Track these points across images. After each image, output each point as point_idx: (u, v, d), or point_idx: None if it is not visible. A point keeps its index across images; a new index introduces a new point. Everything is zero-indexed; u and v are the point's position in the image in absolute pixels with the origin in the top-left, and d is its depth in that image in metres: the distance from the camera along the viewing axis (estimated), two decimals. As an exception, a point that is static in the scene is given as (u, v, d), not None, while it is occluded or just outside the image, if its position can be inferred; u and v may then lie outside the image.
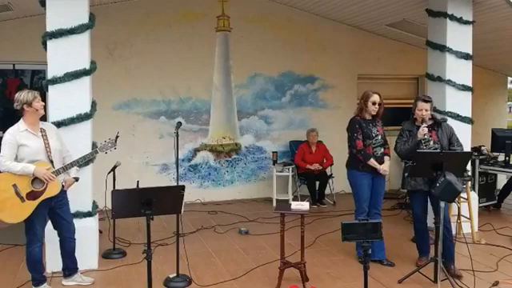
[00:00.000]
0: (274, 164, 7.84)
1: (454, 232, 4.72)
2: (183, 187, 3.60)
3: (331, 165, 7.81)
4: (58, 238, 4.23)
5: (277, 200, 7.63)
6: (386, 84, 8.82)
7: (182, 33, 7.82)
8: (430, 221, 4.62)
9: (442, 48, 5.79)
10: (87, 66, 4.71)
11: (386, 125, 5.00)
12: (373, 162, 4.69)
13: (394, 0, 6.68)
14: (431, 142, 4.55)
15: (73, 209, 4.36)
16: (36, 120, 3.99)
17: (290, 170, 7.64)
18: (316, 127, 7.99)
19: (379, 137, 4.78)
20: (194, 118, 8.02)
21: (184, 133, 7.76)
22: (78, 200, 4.56)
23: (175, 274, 4.41)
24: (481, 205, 6.69)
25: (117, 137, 4.31)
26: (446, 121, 4.84)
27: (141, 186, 3.72)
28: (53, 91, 4.63)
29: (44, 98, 4.11)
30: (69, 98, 4.63)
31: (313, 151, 7.80)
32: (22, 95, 3.91)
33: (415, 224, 4.78)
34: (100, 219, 5.49)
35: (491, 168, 6.85)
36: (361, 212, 4.73)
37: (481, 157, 6.93)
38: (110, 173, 5.17)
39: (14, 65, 7.39)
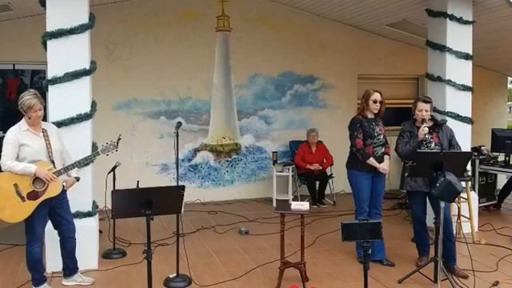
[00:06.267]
0: (274, 164, 7.84)
1: (454, 232, 4.72)
2: (183, 187, 3.60)
3: (331, 165, 7.80)
4: (58, 238, 4.23)
5: (277, 200, 7.63)
6: (386, 84, 8.81)
7: (182, 33, 7.82)
8: (430, 221, 4.62)
9: (442, 48, 5.79)
10: (87, 66, 4.71)
11: (386, 125, 5.00)
12: (372, 161, 4.70)
13: (393, 0, 6.69)
14: (432, 144, 4.56)
15: (73, 209, 4.36)
16: (36, 121, 3.98)
17: (290, 169, 7.64)
18: (316, 127, 7.99)
19: (381, 136, 4.79)
20: (194, 117, 8.02)
21: (184, 133, 7.76)
22: (78, 200, 4.56)
23: (175, 274, 4.41)
24: (481, 205, 6.69)
25: (119, 139, 4.30)
26: (446, 122, 4.85)
27: (141, 186, 3.71)
28: (53, 91, 4.63)
29: (44, 98, 4.10)
30: (69, 98, 4.63)
31: (313, 151, 7.80)
32: (22, 100, 3.89)
33: (415, 224, 4.79)
34: (100, 219, 5.49)
35: (491, 168, 6.85)
36: (361, 212, 4.73)
37: (481, 157, 6.93)
38: (109, 173, 5.17)
39: (14, 65, 7.38)
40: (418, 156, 4.27)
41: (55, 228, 4.21)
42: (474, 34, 5.88)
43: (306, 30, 8.43)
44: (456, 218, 5.47)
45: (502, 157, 6.96)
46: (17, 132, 3.91)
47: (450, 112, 5.79)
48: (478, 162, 6.83)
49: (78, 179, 4.28)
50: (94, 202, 4.83)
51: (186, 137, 7.89)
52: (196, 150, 8.05)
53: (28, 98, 3.89)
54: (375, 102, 4.72)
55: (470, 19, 5.82)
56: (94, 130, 4.89)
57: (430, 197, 4.62)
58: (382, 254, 4.84)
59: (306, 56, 8.47)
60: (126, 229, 6.01)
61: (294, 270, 4.32)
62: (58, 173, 3.96)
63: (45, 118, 4.18)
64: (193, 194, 7.84)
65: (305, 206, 4.22)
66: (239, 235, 5.98)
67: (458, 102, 5.85)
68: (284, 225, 4.26)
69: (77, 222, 4.35)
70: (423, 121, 4.55)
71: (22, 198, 3.85)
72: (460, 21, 5.76)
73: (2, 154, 3.87)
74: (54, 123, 4.44)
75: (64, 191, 4.16)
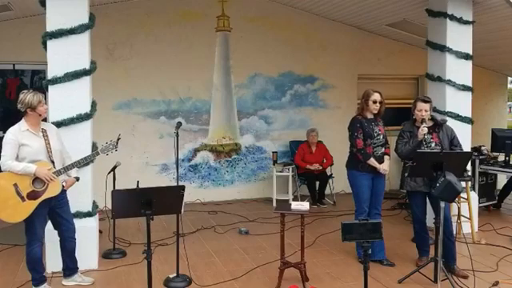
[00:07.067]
0: (274, 164, 7.83)
1: (454, 232, 4.72)
2: (183, 187, 3.60)
3: (331, 165, 7.81)
4: (58, 238, 4.23)
5: (277, 200, 7.63)
6: (386, 84, 8.81)
7: (182, 33, 7.82)
8: (430, 221, 4.62)
9: (442, 48, 5.79)
10: (87, 66, 4.71)
11: (386, 125, 4.99)
12: (372, 161, 4.70)
13: (393, 0, 6.69)
14: (433, 144, 4.55)
15: (73, 209, 4.36)
16: (38, 121, 4.00)
17: (290, 169, 7.64)
18: (316, 127, 7.99)
19: (381, 136, 4.78)
20: (194, 117, 8.02)
21: (184, 133, 7.76)
22: (78, 200, 4.56)
23: (175, 274, 4.41)
24: (481, 205, 6.69)
25: (118, 139, 4.30)
26: (446, 122, 4.84)
27: (141, 186, 3.71)
28: (53, 91, 4.63)
29: (44, 98, 4.10)
30: (69, 98, 4.63)
31: (313, 151, 7.80)
32: (28, 98, 3.89)
33: (415, 224, 4.78)
34: (100, 219, 5.50)
35: (491, 168, 6.85)
36: (361, 212, 4.73)
37: (481, 157, 6.93)
38: (110, 173, 5.17)
39: (14, 65, 7.38)
40: (418, 156, 4.27)
41: (55, 228, 4.21)
42: (474, 34, 5.88)
43: (306, 30, 8.43)
44: (456, 217, 5.47)
45: (502, 157, 6.96)
46: (16, 132, 3.91)
47: (450, 112, 5.79)
48: (477, 161, 6.83)
49: (77, 179, 4.28)
50: (94, 202, 4.83)
51: (186, 137, 7.89)
52: (196, 150, 8.06)
53: (32, 94, 3.91)
54: (375, 102, 4.72)
55: (470, 19, 5.82)
56: (94, 130, 4.89)
57: (430, 197, 4.62)
58: (382, 253, 4.84)
59: (306, 56, 8.46)
60: (126, 229, 6.01)
61: (294, 270, 4.32)
62: (58, 173, 3.96)
63: (45, 118, 4.18)
64: (193, 194, 7.85)
65: (305, 206, 4.22)
66: (239, 235, 5.98)
67: (458, 102, 5.85)
68: (284, 225, 4.26)
69: (77, 222, 4.35)
70: (423, 121, 4.55)
71: (22, 198, 3.85)
72: (460, 21, 5.76)
73: (2, 154, 3.87)
74: (53, 123, 4.45)
75: (64, 191, 4.16)
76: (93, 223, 4.78)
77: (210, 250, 5.36)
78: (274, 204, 7.56)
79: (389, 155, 4.89)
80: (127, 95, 7.63)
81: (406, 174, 4.63)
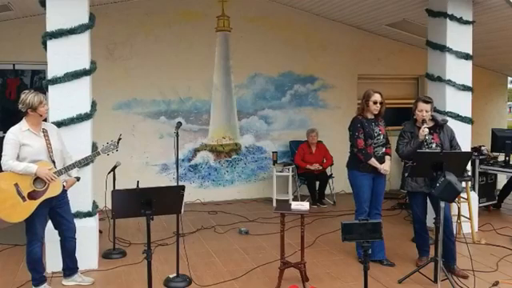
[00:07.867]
0: (274, 164, 7.84)
1: (454, 232, 4.72)
2: (183, 187, 3.60)
3: (331, 165, 7.81)
4: (58, 238, 4.23)
5: (277, 200, 7.63)
6: (386, 84, 8.81)
7: (182, 33, 7.82)
8: (430, 221, 4.62)
9: (442, 48, 5.79)
10: (87, 66, 4.71)
11: (386, 125, 4.99)
12: (373, 161, 4.70)
13: (393, 0, 6.69)
14: (433, 145, 4.55)
15: (73, 209, 4.36)
16: (38, 121, 4.00)
17: (290, 170, 7.64)
18: (316, 127, 7.99)
19: (381, 136, 4.78)
20: (194, 117, 8.02)
21: (184, 133, 7.76)
22: (78, 200, 4.56)
23: (175, 274, 4.41)
24: (481, 205, 6.69)
25: (119, 139, 4.31)
26: (446, 122, 4.84)
27: (141, 186, 3.72)
28: (53, 91, 4.63)
29: (45, 99, 4.10)
30: (69, 98, 4.63)
31: (313, 151, 7.80)
32: (29, 98, 3.89)
33: (415, 224, 4.79)
34: (100, 219, 5.50)
35: (491, 168, 6.85)
36: (361, 212, 4.73)
37: (481, 157, 6.93)
38: (110, 173, 5.17)
39: (14, 65, 7.38)
40: (418, 156, 4.27)
41: (55, 228, 4.21)
42: (474, 34, 5.88)
43: (306, 29, 8.44)
44: (456, 217, 5.47)
45: (502, 157, 6.96)
46: (17, 132, 3.92)
47: (450, 112, 5.79)
48: (477, 161, 6.83)
49: (78, 179, 4.29)
50: (94, 202, 4.83)
51: (186, 137, 7.89)
52: (196, 150, 8.06)
53: (33, 95, 3.91)
54: (375, 103, 4.72)
55: (470, 19, 5.82)
56: (94, 130, 4.89)
57: (430, 197, 4.62)
58: (382, 253, 4.84)
59: (306, 56, 8.47)
60: (126, 229, 6.01)
61: (294, 270, 4.32)
62: (59, 173, 3.97)
63: (45, 118, 4.18)
64: (193, 194, 7.85)
65: (305, 206, 4.22)
66: (239, 235, 5.98)
67: (458, 102, 5.85)
68: (284, 225, 4.26)
69: (77, 222, 4.35)
70: (423, 121, 4.55)
71: (23, 198, 3.85)
72: (460, 21, 5.76)
73: (3, 153, 3.87)
74: (54, 123, 4.45)
75: (64, 191, 4.16)
76: (93, 223, 4.78)
77: (210, 250, 5.36)
78: (274, 204, 7.56)
79: (390, 155, 4.89)
80: (127, 95, 7.63)
81: (407, 174, 4.64)
